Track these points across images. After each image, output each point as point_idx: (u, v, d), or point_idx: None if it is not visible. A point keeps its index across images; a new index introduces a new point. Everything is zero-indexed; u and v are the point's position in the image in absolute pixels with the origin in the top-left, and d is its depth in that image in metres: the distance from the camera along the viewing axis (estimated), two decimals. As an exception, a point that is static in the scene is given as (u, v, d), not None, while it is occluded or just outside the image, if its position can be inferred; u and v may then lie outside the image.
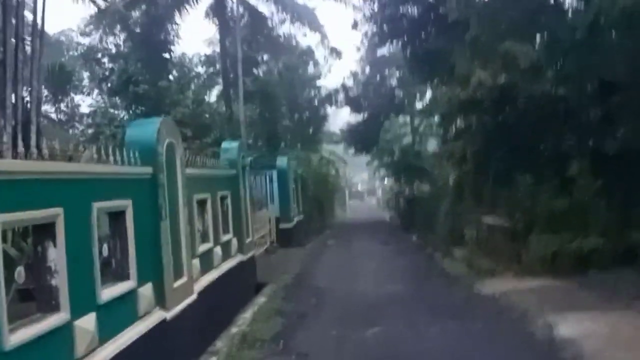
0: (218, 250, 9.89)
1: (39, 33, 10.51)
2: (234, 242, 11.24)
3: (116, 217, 5.89)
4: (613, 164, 11.54)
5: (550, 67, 12.39)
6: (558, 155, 12.38)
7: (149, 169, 6.65)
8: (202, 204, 9.33)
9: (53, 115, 31.57)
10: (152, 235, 6.64)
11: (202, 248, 8.97)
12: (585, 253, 10.62)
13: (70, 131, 30.72)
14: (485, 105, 13.01)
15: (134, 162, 6.34)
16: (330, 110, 36.79)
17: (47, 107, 30.94)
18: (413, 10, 20.42)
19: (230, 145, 12.43)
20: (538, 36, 12.95)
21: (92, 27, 26.24)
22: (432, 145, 31.09)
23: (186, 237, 7.79)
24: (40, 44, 10.46)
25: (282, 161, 22.59)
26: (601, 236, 10.78)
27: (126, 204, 5.99)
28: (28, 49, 9.46)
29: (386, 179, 44.66)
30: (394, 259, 17.29)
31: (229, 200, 11.17)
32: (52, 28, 31.63)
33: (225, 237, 10.58)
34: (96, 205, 5.24)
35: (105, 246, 5.55)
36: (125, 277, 5.87)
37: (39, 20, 9.85)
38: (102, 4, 20.89)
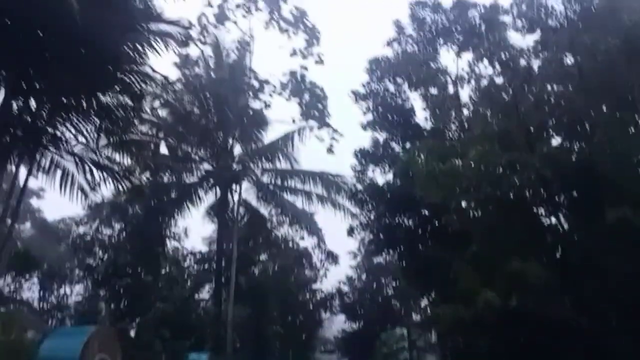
0: None
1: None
2: None
3: None
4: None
5: (564, 291, 11.44)
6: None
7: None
8: None
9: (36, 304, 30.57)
10: None
11: None
12: None
13: (50, 321, 29.41)
14: (493, 327, 11.76)
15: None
16: (325, 314, 35.20)
17: (30, 295, 30.04)
18: (409, 220, 20.33)
19: (198, 358, 10.87)
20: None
21: (89, 217, 26.30)
22: (431, 362, 28.79)
23: None
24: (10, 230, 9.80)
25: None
26: None
27: None
28: None
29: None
30: None
31: None
32: (52, 215, 32.12)
33: None
34: None
35: None
36: None
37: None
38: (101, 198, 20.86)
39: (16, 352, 10.90)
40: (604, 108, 13.08)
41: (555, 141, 14.51)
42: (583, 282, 11.03)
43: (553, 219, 14.36)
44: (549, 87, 14.54)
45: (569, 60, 14.38)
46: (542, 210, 14.80)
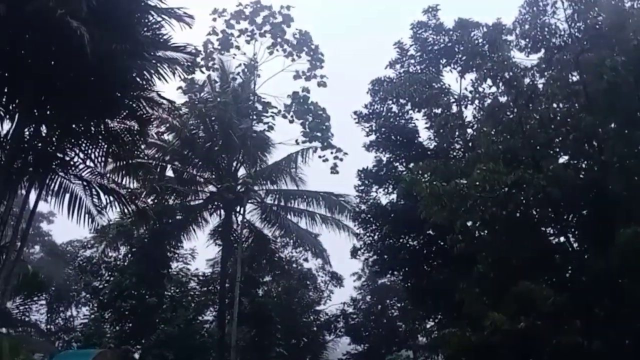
0: None
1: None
2: None
3: None
4: None
5: (574, 313, 11.26)
6: None
7: None
8: None
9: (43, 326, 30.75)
10: None
11: None
12: None
13: (57, 343, 29.48)
14: (501, 351, 11.55)
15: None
16: (329, 337, 34.80)
17: (38, 317, 30.17)
18: (414, 241, 20.14)
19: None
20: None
21: (95, 240, 26.33)
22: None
23: None
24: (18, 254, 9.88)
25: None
26: None
27: None
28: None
29: None
30: None
31: None
32: (61, 237, 32.34)
33: None
34: None
35: None
36: None
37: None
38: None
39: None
40: (612, 126, 13.04)
41: (562, 159, 14.42)
42: (594, 304, 10.84)
43: (562, 239, 14.22)
44: (554, 105, 14.48)
45: (574, 78, 14.39)
46: (550, 230, 14.67)
